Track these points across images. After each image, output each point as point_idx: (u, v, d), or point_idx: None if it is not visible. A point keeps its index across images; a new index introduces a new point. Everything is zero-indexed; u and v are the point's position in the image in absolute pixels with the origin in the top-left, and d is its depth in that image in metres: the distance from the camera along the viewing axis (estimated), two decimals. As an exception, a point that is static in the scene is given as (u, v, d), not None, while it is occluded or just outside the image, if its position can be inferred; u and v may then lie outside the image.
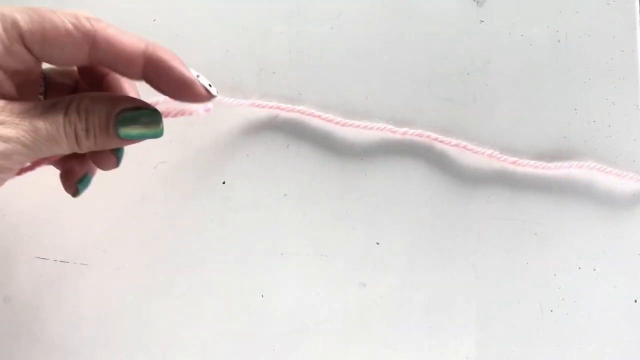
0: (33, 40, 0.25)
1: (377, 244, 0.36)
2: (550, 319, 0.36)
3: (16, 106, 0.25)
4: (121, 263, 0.35)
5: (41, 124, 0.25)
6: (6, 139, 0.24)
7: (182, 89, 0.27)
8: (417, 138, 0.36)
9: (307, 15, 0.37)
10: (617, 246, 0.36)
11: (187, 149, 0.36)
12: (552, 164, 0.36)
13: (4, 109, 0.24)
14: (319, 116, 0.35)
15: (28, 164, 0.30)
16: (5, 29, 0.25)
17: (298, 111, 0.35)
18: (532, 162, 0.36)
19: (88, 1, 0.37)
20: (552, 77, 0.37)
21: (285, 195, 0.36)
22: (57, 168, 0.31)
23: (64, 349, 0.34)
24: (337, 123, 0.35)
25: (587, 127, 0.37)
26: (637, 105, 0.37)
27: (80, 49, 0.26)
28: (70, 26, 0.25)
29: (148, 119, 0.27)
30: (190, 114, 0.29)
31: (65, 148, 0.26)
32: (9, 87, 0.26)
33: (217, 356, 0.35)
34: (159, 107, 0.28)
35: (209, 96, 0.27)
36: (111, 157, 0.29)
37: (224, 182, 0.36)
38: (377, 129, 0.36)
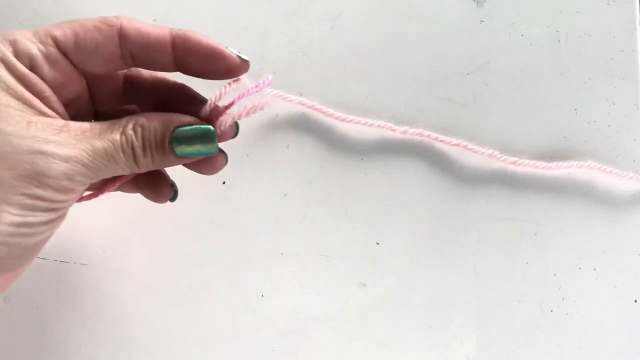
0: (67, 43, 0.26)
1: (377, 244, 0.36)
2: (550, 319, 0.36)
3: (73, 126, 0.25)
4: (121, 263, 0.35)
5: (99, 144, 0.25)
6: (66, 159, 0.24)
7: (213, 59, 0.27)
8: (417, 138, 0.36)
9: (307, 15, 0.37)
10: (617, 246, 0.36)
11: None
12: (552, 164, 0.36)
13: (61, 129, 0.24)
14: (319, 109, 0.36)
15: (87, 192, 0.30)
16: (39, 38, 0.25)
17: (310, 106, 0.35)
18: (532, 162, 0.36)
19: (89, 1, 0.37)
20: (552, 77, 0.37)
21: (285, 195, 0.36)
22: (127, 191, 0.32)
23: (64, 349, 0.34)
24: (337, 118, 0.35)
25: (587, 127, 0.37)
26: (637, 105, 0.37)
27: (111, 42, 0.26)
28: (97, 22, 0.26)
29: (203, 136, 0.27)
30: (262, 108, 0.29)
31: (124, 167, 0.26)
32: (56, 104, 0.26)
33: (217, 356, 0.35)
34: (227, 114, 0.29)
35: (241, 61, 0.28)
36: (167, 190, 0.31)
37: (224, 182, 0.36)
38: (378, 126, 0.36)
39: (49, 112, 0.25)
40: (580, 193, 0.36)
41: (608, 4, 0.37)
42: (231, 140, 0.36)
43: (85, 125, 0.25)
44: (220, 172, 0.36)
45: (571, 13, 0.37)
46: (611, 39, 0.37)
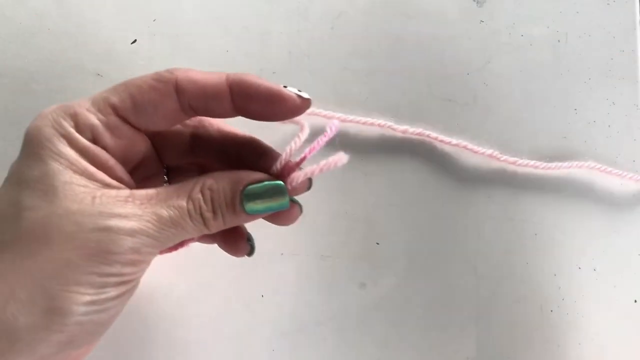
0: (125, 108, 0.25)
1: (377, 244, 0.36)
2: (550, 319, 0.36)
3: (139, 195, 0.24)
4: (121, 263, 0.35)
5: (165, 212, 0.24)
6: (132, 233, 0.23)
7: (273, 102, 0.26)
8: (417, 137, 0.36)
9: (307, 15, 0.37)
10: (617, 246, 0.36)
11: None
12: (552, 164, 0.36)
13: (127, 200, 0.24)
14: (318, 113, 0.35)
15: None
16: (98, 108, 0.25)
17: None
18: (532, 162, 0.36)
19: (89, 1, 0.37)
20: (552, 77, 0.37)
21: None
22: (205, 243, 0.32)
23: (64, 349, 0.34)
24: (337, 118, 0.35)
25: (587, 127, 0.37)
26: (637, 105, 0.37)
27: (168, 98, 0.25)
28: (152, 81, 0.25)
29: (274, 193, 0.26)
30: (335, 164, 0.28)
31: (192, 232, 0.26)
32: (121, 172, 0.26)
33: (217, 356, 0.35)
34: (299, 170, 0.28)
35: (302, 100, 0.27)
36: (244, 245, 0.30)
37: (224, 182, 0.36)
38: (378, 125, 0.36)
39: (114, 182, 0.25)
40: (580, 193, 0.36)
41: (608, 4, 0.37)
42: (231, 140, 0.36)
43: (151, 192, 0.25)
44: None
45: (571, 13, 0.37)
46: (611, 39, 0.37)
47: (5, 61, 0.36)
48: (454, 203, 0.36)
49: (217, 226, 0.26)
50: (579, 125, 0.37)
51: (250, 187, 0.26)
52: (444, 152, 0.36)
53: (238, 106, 0.26)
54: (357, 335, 0.35)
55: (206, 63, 0.36)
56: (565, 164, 0.36)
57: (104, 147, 0.25)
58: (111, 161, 0.25)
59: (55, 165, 0.24)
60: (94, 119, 0.25)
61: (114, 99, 0.25)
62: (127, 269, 0.24)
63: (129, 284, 0.25)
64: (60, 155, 0.24)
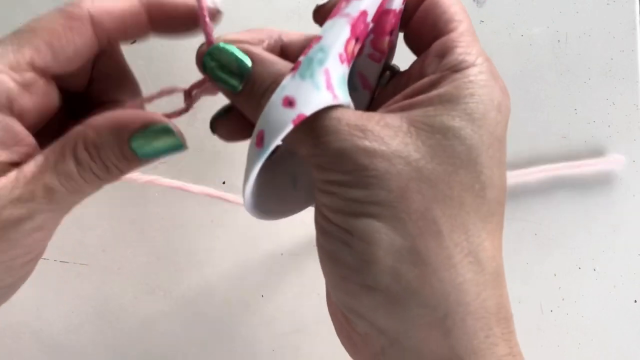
0: (44, 59, 0.23)
1: (377, 244, 0.36)
2: (550, 319, 0.36)
3: (23, 175, 0.22)
4: (121, 263, 0.35)
5: (55, 183, 0.23)
6: (30, 214, 0.22)
7: (191, 16, 0.25)
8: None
9: (307, 15, 0.37)
10: (617, 246, 0.36)
11: (186, 149, 0.35)
12: (560, 164, 0.36)
13: (14, 186, 0.22)
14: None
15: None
16: (10, 65, 0.22)
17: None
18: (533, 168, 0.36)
19: (88, 1, 0.37)
20: (552, 77, 0.37)
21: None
22: None
23: (64, 349, 0.34)
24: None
25: (587, 127, 0.37)
26: (637, 105, 0.37)
27: (86, 36, 0.24)
28: (64, 20, 0.23)
29: (162, 134, 0.24)
30: (215, 93, 0.26)
31: (92, 189, 0.24)
32: (26, 144, 0.24)
33: (217, 356, 0.35)
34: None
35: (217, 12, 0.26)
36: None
37: (224, 182, 0.36)
38: None
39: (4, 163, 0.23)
40: (580, 193, 0.36)
41: (608, 4, 0.37)
42: (231, 140, 0.36)
43: (40, 160, 0.23)
44: (220, 172, 0.36)
45: (571, 13, 0.37)
46: (611, 39, 0.37)
47: (5, 61, 0.36)
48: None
49: (115, 178, 0.25)
50: (579, 125, 0.37)
51: (136, 137, 0.24)
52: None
53: (156, 28, 0.25)
54: (357, 335, 0.35)
55: (206, 63, 0.36)
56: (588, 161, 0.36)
57: (19, 114, 0.23)
58: (21, 137, 0.23)
59: None
60: (7, 80, 0.22)
61: (28, 51, 0.22)
62: (33, 247, 0.24)
63: (35, 253, 0.24)
64: None
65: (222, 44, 0.24)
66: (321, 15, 0.25)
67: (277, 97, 0.21)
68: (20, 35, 0.23)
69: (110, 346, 0.35)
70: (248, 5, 0.37)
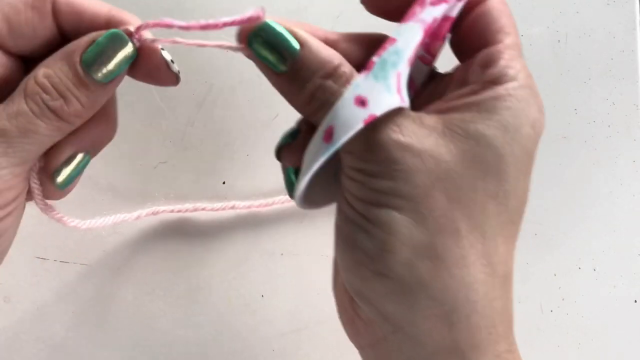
0: (1, 33, 0.22)
1: (377, 244, 0.36)
2: (550, 319, 0.36)
3: None
4: (121, 263, 0.35)
5: (6, 123, 0.21)
6: None
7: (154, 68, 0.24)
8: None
9: (307, 15, 0.37)
10: (617, 246, 0.36)
11: (187, 149, 0.36)
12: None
13: None
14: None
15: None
16: None
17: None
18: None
19: (88, 1, 0.37)
20: (552, 77, 0.37)
21: (285, 195, 0.36)
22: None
23: (64, 349, 0.34)
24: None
25: (587, 127, 0.37)
26: (637, 105, 0.37)
27: (46, 18, 0.23)
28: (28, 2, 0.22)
29: (111, 44, 0.22)
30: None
31: (51, 133, 0.22)
32: None
33: (217, 356, 0.35)
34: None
35: (170, 74, 0.25)
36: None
37: (224, 182, 0.36)
38: None
39: None
40: (580, 193, 0.36)
41: (608, 4, 0.37)
42: (231, 140, 0.36)
43: None
44: (220, 172, 0.36)
45: (571, 13, 0.37)
46: (611, 39, 0.37)
47: (5, 61, 0.36)
48: (454, 203, 0.36)
49: (75, 113, 0.23)
50: (579, 125, 0.37)
51: (87, 52, 0.22)
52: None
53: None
54: (357, 335, 0.35)
55: (206, 63, 0.36)
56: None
57: None
58: None
59: None
60: None
61: None
62: None
63: (6, 209, 0.23)
64: None
65: (271, 22, 0.23)
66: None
67: (349, 95, 0.21)
68: None
69: (110, 346, 0.35)
70: (248, 5, 0.37)
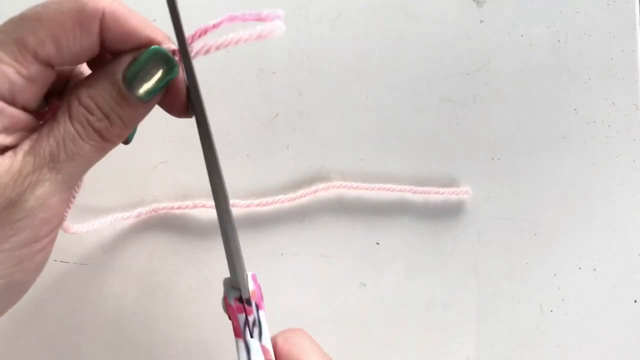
0: (47, 52, 0.22)
1: (377, 244, 0.36)
2: (550, 319, 0.36)
3: (21, 151, 0.21)
4: (121, 263, 0.35)
5: (54, 149, 0.21)
6: (31, 187, 0.21)
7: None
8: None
9: (307, 15, 0.37)
10: (617, 246, 0.36)
11: (187, 149, 0.36)
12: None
13: (13, 161, 0.21)
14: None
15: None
16: (15, 56, 0.21)
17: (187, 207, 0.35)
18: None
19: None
20: (552, 77, 0.37)
21: (285, 195, 0.36)
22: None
23: (64, 349, 0.34)
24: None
25: (587, 127, 0.37)
26: (637, 105, 0.37)
27: (91, 36, 0.22)
28: (74, 13, 0.21)
29: (154, 61, 0.23)
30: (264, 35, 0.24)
31: (95, 154, 0.23)
32: (26, 128, 0.23)
33: (217, 356, 0.35)
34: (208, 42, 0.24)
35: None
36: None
37: (224, 182, 0.36)
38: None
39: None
40: (580, 193, 0.36)
41: (608, 4, 0.37)
42: (231, 140, 0.36)
43: (37, 133, 0.22)
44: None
45: (571, 13, 0.37)
46: (611, 39, 0.37)
47: (5, 61, 0.36)
48: (453, 203, 0.36)
49: (118, 133, 0.23)
50: (579, 125, 0.37)
51: (130, 69, 0.22)
52: (444, 152, 0.36)
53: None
54: (357, 335, 0.35)
55: (206, 63, 0.36)
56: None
57: (23, 105, 0.22)
58: (21, 123, 0.22)
59: None
60: (12, 73, 0.21)
61: (32, 41, 0.21)
62: (40, 230, 0.22)
63: (43, 238, 0.22)
64: None
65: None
66: None
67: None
68: (25, 24, 0.21)
69: (111, 346, 0.35)
70: (248, 5, 0.37)
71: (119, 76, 0.22)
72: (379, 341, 0.35)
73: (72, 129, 0.22)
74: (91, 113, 0.22)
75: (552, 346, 0.35)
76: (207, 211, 0.35)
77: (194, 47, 0.24)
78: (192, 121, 0.35)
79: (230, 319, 0.26)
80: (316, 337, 0.35)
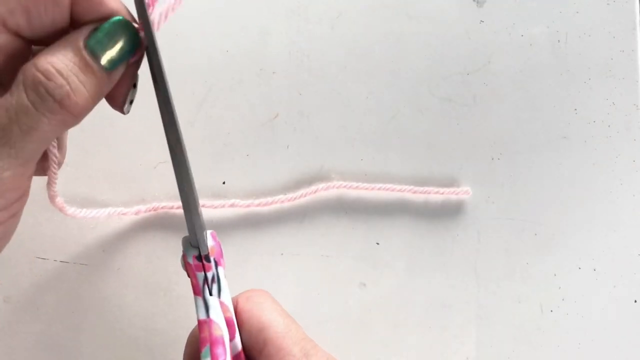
0: (16, 22, 0.21)
1: (377, 244, 0.36)
2: (550, 319, 0.36)
3: None
4: (121, 263, 0.35)
5: (4, 120, 0.20)
6: None
7: None
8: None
9: (307, 15, 0.37)
10: (617, 246, 0.36)
11: (187, 149, 0.35)
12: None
13: None
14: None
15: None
16: None
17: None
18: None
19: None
20: (552, 77, 0.37)
21: (285, 195, 0.36)
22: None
23: (64, 349, 0.34)
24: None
25: (587, 127, 0.37)
26: (637, 105, 0.37)
27: (62, 6, 0.22)
28: None
29: (117, 30, 0.22)
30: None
31: (54, 127, 0.21)
32: None
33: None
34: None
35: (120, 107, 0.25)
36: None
37: (224, 182, 0.36)
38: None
39: None
40: (581, 193, 0.36)
41: (608, 4, 0.37)
42: (231, 140, 0.36)
43: None
44: (220, 172, 0.36)
45: (571, 13, 0.37)
46: (611, 39, 0.37)
47: (5, 61, 0.36)
48: (453, 203, 0.36)
49: (81, 103, 0.21)
50: (579, 125, 0.37)
51: (93, 37, 0.21)
52: (443, 152, 0.36)
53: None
54: (357, 335, 0.35)
55: (206, 63, 0.36)
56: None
57: None
58: None
59: None
60: None
61: (1, 10, 0.20)
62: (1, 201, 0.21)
63: (9, 209, 0.22)
64: None
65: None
66: None
67: None
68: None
69: (110, 346, 0.35)
70: (248, 5, 0.37)
71: (81, 43, 0.21)
72: (379, 341, 0.35)
73: (25, 100, 0.20)
74: (49, 78, 0.20)
75: (552, 346, 0.35)
76: (208, 211, 0.35)
77: (154, 14, 0.23)
78: (192, 121, 0.36)
79: (189, 277, 0.26)
80: (316, 337, 0.35)
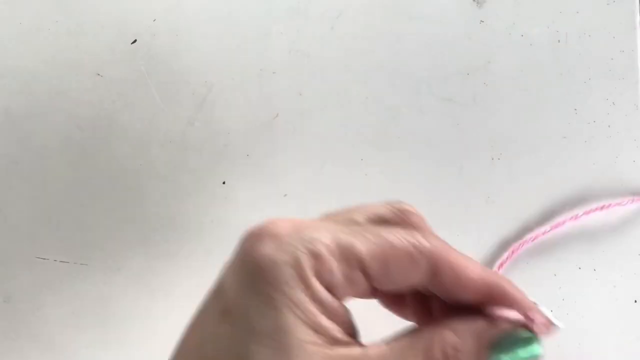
0: (374, 271, 0.22)
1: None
2: (550, 319, 0.36)
3: (372, 353, 0.21)
4: (121, 263, 0.35)
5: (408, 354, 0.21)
6: None
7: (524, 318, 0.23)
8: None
9: (307, 15, 0.37)
10: (617, 246, 0.36)
11: (187, 149, 0.36)
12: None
13: None
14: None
15: None
16: (344, 256, 0.21)
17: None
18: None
19: (89, 1, 0.37)
20: (552, 77, 0.37)
21: (285, 195, 0.36)
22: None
23: (64, 349, 0.34)
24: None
25: (587, 127, 0.37)
26: (637, 105, 0.37)
27: (418, 272, 0.22)
28: (408, 245, 0.22)
29: (523, 344, 0.22)
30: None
31: None
32: (349, 324, 0.23)
33: (217, 356, 0.35)
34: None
35: (550, 328, 0.24)
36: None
37: (224, 182, 0.36)
38: None
39: (344, 338, 0.21)
40: (581, 193, 0.36)
41: (608, 4, 0.37)
42: (231, 140, 0.36)
43: (384, 349, 0.21)
44: (220, 172, 0.36)
45: (571, 13, 0.37)
46: (611, 39, 0.37)
47: (5, 61, 0.36)
48: (453, 203, 0.36)
49: None
50: (579, 125, 0.37)
51: (498, 343, 0.22)
52: (443, 152, 0.36)
53: (483, 304, 0.23)
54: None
55: (205, 63, 0.36)
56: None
57: (339, 299, 0.22)
58: (346, 315, 0.22)
59: (291, 318, 0.20)
60: (337, 269, 0.21)
61: (362, 252, 0.21)
62: None
63: None
64: (297, 306, 0.21)
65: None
66: None
67: None
68: (359, 226, 0.22)
69: (110, 346, 0.35)
70: (248, 5, 0.37)
71: (485, 342, 0.22)
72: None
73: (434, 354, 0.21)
74: (446, 358, 0.21)
75: (552, 346, 0.35)
76: (207, 212, 0.35)
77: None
78: (192, 121, 0.35)
79: None
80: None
